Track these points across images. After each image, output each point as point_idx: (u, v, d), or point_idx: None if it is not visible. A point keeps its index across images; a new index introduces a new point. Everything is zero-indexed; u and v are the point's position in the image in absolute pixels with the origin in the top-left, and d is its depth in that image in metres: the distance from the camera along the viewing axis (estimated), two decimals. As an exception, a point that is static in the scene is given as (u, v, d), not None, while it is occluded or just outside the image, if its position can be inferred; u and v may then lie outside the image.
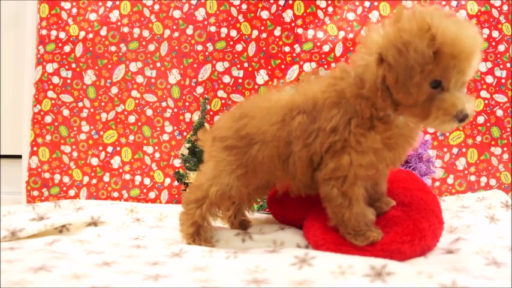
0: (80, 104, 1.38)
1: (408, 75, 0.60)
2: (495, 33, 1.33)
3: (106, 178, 1.36)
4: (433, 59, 0.59)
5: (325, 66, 1.35)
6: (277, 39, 1.37)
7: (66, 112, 1.37)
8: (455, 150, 1.33)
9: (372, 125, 0.67)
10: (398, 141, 0.68)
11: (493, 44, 1.33)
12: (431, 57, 0.59)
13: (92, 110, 1.38)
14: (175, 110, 1.37)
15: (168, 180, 1.36)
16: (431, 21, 0.59)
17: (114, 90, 1.38)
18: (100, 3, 1.38)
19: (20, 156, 1.41)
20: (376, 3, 1.36)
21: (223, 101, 1.37)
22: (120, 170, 1.36)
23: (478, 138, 1.33)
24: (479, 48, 0.61)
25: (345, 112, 0.68)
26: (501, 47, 1.33)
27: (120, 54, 1.38)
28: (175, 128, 1.37)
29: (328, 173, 0.70)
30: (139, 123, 1.38)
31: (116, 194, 1.35)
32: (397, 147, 0.69)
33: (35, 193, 1.35)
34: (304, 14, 1.37)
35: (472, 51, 0.60)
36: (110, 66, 1.38)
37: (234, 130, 0.79)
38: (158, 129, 1.37)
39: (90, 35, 1.38)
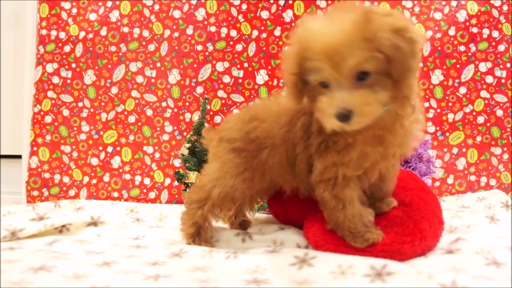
0: (80, 104, 1.38)
1: (285, 77, 0.67)
2: (495, 33, 1.33)
3: (106, 178, 1.36)
4: (298, 66, 0.63)
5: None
6: (277, 39, 1.37)
7: (66, 112, 1.37)
8: (455, 150, 1.33)
9: None
10: (380, 135, 0.66)
11: (493, 44, 1.33)
12: (294, 60, 0.63)
13: (92, 110, 1.38)
14: (175, 110, 1.37)
15: (168, 180, 1.36)
16: (301, 25, 0.63)
17: (114, 90, 1.38)
18: (100, 3, 1.38)
19: (20, 156, 1.41)
20: (376, 4, 1.36)
21: (223, 101, 1.37)
22: (120, 170, 1.36)
23: (478, 138, 1.33)
24: (344, 37, 0.58)
25: None
26: (501, 47, 1.33)
27: (120, 54, 1.38)
28: (175, 128, 1.37)
29: (318, 175, 0.70)
30: (139, 123, 1.38)
31: (116, 194, 1.35)
32: (382, 142, 0.66)
33: (35, 193, 1.34)
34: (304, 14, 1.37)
35: (324, 46, 0.59)
36: (110, 66, 1.38)
37: (244, 133, 0.79)
38: (158, 129, 1.37)
39: (90, 35, 1.38)
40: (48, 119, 1.37)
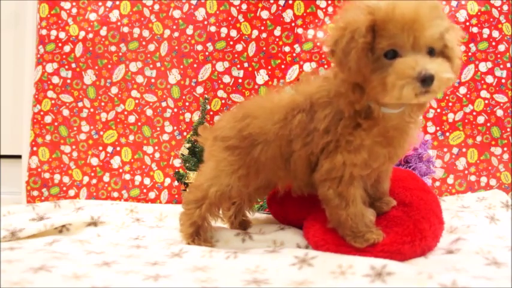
0: (80, 104, 1.38)
1: (346, 52, 0.61)
2: (495, 33, 1.33)
3: (106, 178, 1.36)
4: (370, 32, 0.60)
5: (325, 66, 1.35)
6: (277, 39, 1.37)
7: (66, 112, 1.37)
8: (455, 150, 1.33)
9: (356, 123, 0.67)
10: (391, 136, 0.67)
11: (493, 44, 1.33)
12: (366, 30, 0.60)
13: (92, 110, 1.38)
14: (175, 110, 1.37)
15: (168, 180, 1.36)
16: (368, 3, 0.62)
17: (114, 90, 1.38)
18: (100, 3, 1.38)
19: (20, 156, 1.41)
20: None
21: (223, 101, 1.37)
22: (120, 170, 1.36)
23: (478, 138, 1.33)
24: (425, 10, 0.59)
25: (336, 113, 0.68)
26: (501, 47, 1.33)
27: (120, 54, 1.38)
28: (175, 128, 1.37)
29: (323, 174, 0.70)
30: (139, 123, 1.38)
31: (116, 194, 1.35)
32: (391, 143, 0.67)
33: (35, 193, 1.34)
34: (304, 14, 1.37)
35: (409, 13, 0.59)
36: (110, 66, 1.38)
37: (237, 130, 0.79)
38: (158, 129, 1.37)
39: (90, 35, 1.38)
40: (48, 119, 1.37)
